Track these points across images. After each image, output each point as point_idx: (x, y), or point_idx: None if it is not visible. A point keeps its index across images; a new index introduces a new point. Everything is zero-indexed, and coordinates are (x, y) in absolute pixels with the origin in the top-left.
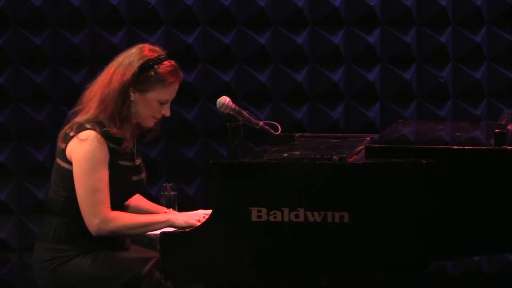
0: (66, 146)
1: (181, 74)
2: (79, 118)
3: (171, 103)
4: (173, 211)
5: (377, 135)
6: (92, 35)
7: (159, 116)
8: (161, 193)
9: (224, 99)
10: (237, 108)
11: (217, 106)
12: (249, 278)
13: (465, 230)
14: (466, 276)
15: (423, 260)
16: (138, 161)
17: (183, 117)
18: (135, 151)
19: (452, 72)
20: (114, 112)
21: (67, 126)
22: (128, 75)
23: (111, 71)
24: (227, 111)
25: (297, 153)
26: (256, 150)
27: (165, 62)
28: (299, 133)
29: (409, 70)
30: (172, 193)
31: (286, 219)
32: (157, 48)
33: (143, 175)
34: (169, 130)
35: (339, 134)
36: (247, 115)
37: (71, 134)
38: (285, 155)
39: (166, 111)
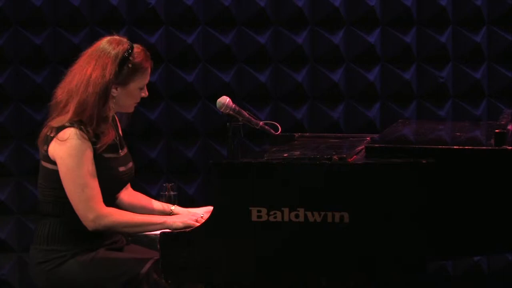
0: (48, 148)
1: (149, 53)
2: (56, 122)
3: (174, 103)
4: (177, 209)
5: (377, 135)
6: (92, 35)
7: (139, 100)
8: (161, 193)
9: (224, 99)
10: (237, 108)
11: (217, 106)
12: (249, 278)
13: (465, 230)
14: (466, 276)
15: (423, 260)
16: (123, 152)
17: (183, 117)
18: (118, 142)
19: (452, 72)
20: (93, 115)
21: (45, 129)
22: (109, 75)
23: (87, 74)
24: (227, 111)
25: (297, 153)
26: (256, 150)
27: (136, 50)
28: (299, 133)
29: (409, 70)
30: (172, 193)
31: (286, 219)
32: (121, 38)
33: (130, 164)
34: (169, 130)
35: (339, 134)
36: (247, 115)
37: (52, 135)
38: (285, 155)
39: (145, 93)
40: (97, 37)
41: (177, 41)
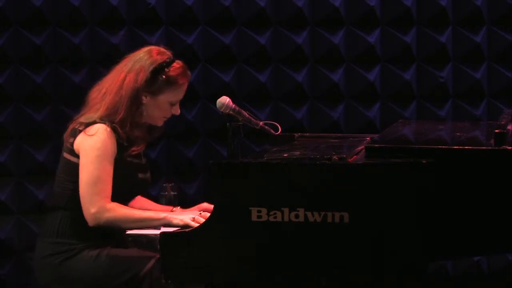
0: (74, 140)
1: (189, 73)
2: (85, 118)
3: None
4: (178, 210)
5: (377, 135)
6: (92, 35)
7: (169, 116)
8: (161, 193)
9: (224, 99)
10: (237, 108)
11: (217, 106)
12: (249, 278)
13: (465, 230)
14: (466, 276)
15: (423, 260)
16: (144, 160)
17: (183, 117)
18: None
19: (452, 72)
20: (126, 118)
21: (73, 123)
22: (141, 81)
23: (121, 77)
24: (227, 111)
25: (297, 153)
26: (256, 150)
27: (174, 64)
28: (299, 133)
29: (409, 70)
30: (172, 193)
31: (286, 219)
32: (164, 50)
33: (149, 174)
34: (169, 130)
35: (339, 134)
36: (247, 115)
37: (80, 128)
38: (285, 155)
39: (176, 111)
40: (97, 37)
41: (177, 41)
